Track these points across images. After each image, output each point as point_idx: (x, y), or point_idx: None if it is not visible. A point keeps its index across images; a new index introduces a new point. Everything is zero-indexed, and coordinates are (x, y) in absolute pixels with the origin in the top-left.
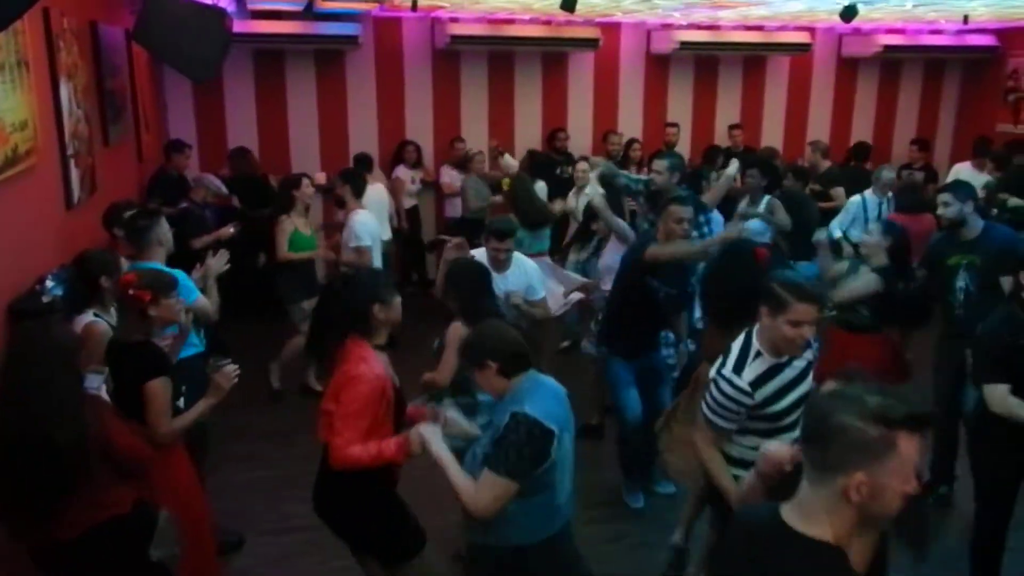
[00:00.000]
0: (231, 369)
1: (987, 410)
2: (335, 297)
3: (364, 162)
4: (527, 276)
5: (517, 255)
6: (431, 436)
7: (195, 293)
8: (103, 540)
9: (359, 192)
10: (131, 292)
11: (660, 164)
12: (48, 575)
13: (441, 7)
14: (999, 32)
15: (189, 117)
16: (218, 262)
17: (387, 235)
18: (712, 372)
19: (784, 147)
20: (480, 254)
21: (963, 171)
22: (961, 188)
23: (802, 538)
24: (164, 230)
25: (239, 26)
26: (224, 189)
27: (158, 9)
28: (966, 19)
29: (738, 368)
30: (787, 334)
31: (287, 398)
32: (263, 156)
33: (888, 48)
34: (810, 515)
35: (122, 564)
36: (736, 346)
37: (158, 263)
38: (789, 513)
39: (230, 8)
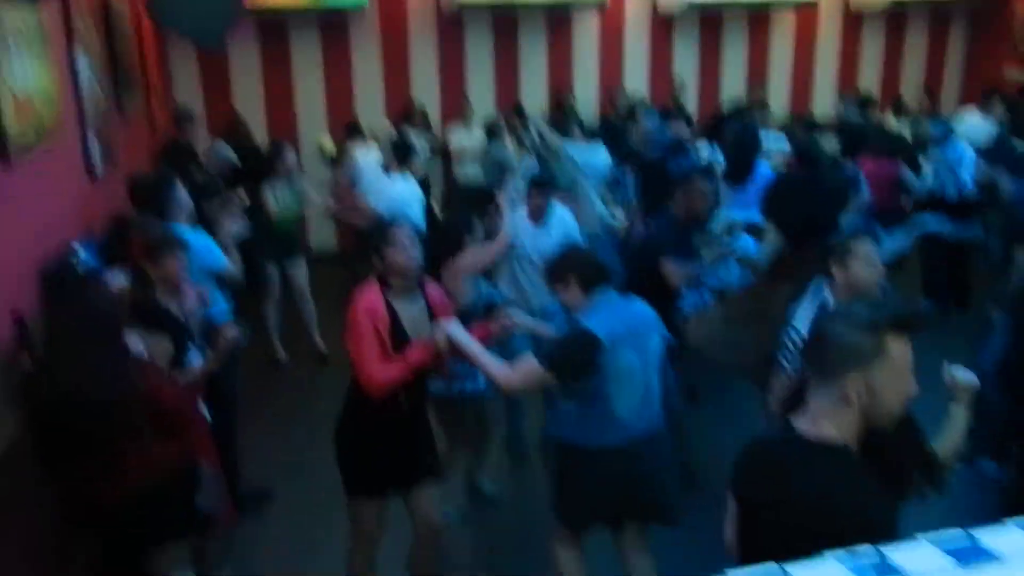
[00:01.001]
0: (235, 331)
1: None
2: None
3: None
4: (565, 226)
5: (556, 205)
6: (455, 329)
7: (220, 258)
8: (156, 496)
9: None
10: (134, 251)
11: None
12: (100, 537)
13: None
14: None
15: (196, 87)
16: (235, 224)
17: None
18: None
19: (792, 103)
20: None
21: (971, 117)
22: None
23: (812, 440)
24: (183, 194)
25: None
26: (235, 157)
27: None
28: None
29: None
30: (864, 275)
31: (298, 366)
32: (270, 124)
33: (895, 1)
34: (817, 419)
35: (174, 516)
36: (809, 304)
37: (182, 227)
38: (800, 423)
39: None
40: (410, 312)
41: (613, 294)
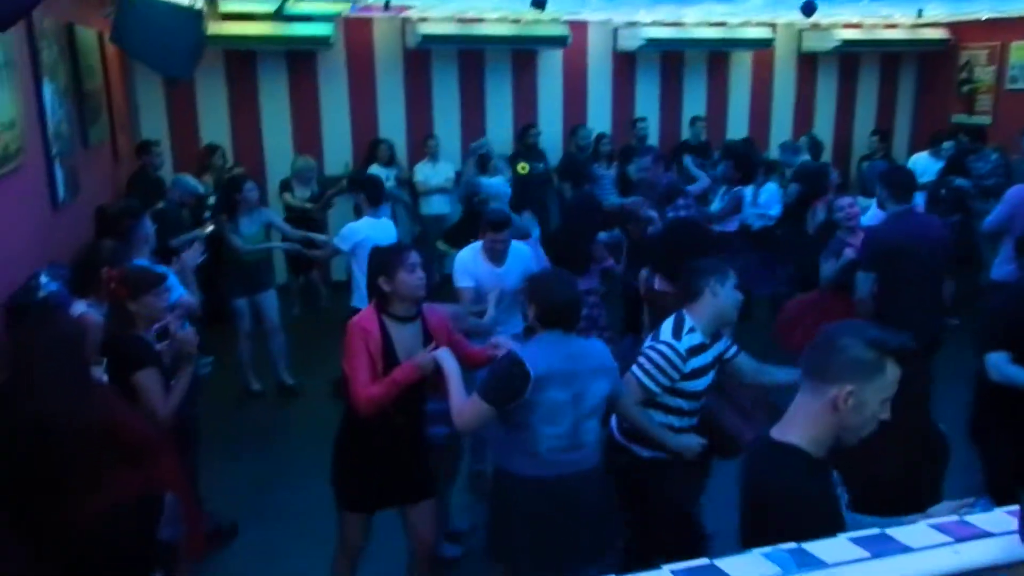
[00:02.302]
0: (189, 332)
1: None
2: None
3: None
4: (524, 263)
5: (513, 243)
6: (444, 355)
7: (179, 290)
8: (117, 523)
9: (374, 200)
10: (113, 286)
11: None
12: (60, 564)
13: (411, 7)
14: (951, 26)
15: (161, 118)
16: (192, 254)
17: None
18: (648, 341)
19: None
20: (473, 247)
21: (921, 159)
22: None
23: (774, 443)
24: (148, 227)
25: (210, 28)
26: (201, 189)
27: (134, 10)
28: (920, 13)
29: (676, 333)
30: (733, 301)
31: (267, 399)
32: (237, 156)
33: (846, 43)
34: (786, 426)
35: (135, 545)
36: (668, 322)
37: (144, 261)
38: (774, 430)
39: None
40: (405, 337)
41: (563, 334)
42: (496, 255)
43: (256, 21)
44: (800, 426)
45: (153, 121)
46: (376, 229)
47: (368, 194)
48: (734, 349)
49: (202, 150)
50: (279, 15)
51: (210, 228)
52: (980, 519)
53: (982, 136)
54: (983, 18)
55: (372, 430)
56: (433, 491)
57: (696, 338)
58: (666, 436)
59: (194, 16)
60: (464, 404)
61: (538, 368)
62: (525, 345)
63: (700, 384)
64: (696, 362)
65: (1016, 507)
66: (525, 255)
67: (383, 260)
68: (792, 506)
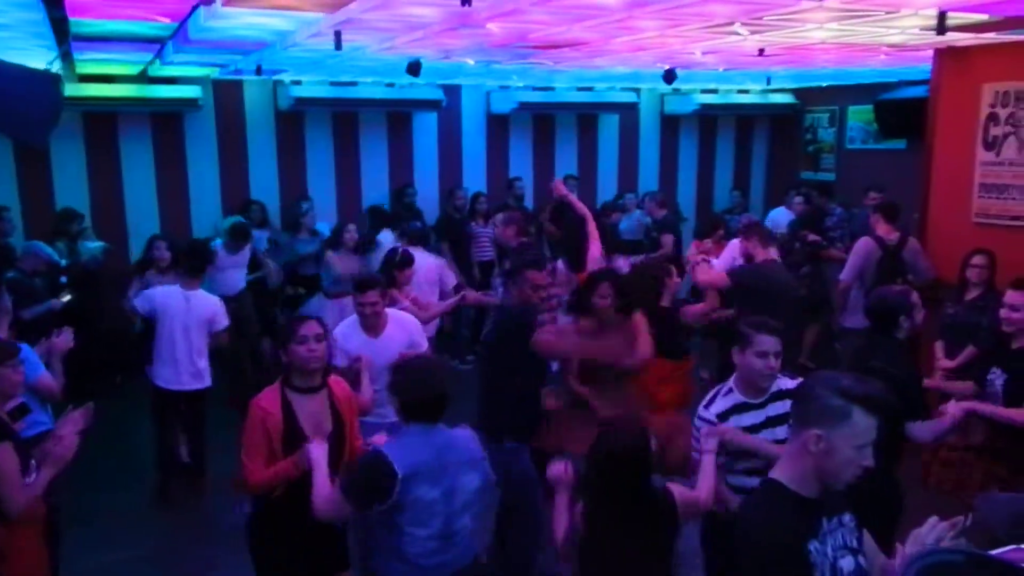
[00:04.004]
0: (70, 439)
1: None
2: None
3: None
4: (406, 331)
5: (390, 311)
6: (316, 450)
7: (39, 368)
8: None
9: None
10: None
11: None
12: None
13: (283, 70)
14: (797, 91)
15: (11, 183)
16: (64, 340)
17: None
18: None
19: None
20: (352, 319)
21: (779, 214)
22: None
23: (764, 480)
24: (5, 300)
25: (68, 89)
26: (56, 257)
27: None
28: (769, 81)
29: (709, 403)
30: (755, 366)
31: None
32: (96, 221)
33: (704, 106)
34: (780, 463)
35: None
36: (714, 390)
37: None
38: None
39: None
40: (310, 410)
41: (429, 426)
42: (368, 322)
43: (118, 83)
44: (784, 464)
45: (3, 187)
46: (170, 297)
47: (187, 265)
48: None
49: (56, 215)
50: (143, 77)
51: (66, 298)
52: None
53: (828, 192)
54: (824, 85)
55: (283, 503)
56: (346, 564)
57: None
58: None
59: (51, 81)
60: (326, 497)
61: (405, 466)
62: (389, 441)
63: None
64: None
65: None
66: (408, 325)
67: (283, 332)
68: (755, 531)
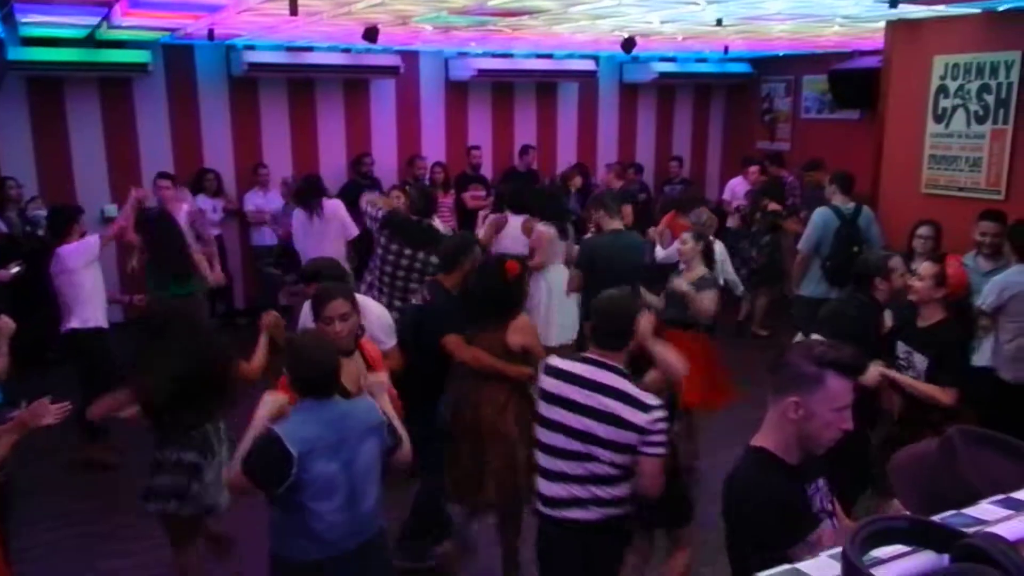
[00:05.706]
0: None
1: None
2: None
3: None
4: (368, 325)
5: (361, 298)
6: (265, 405)
7: None
8: None
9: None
10: None
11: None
12: None
13: (237, 34)
14: (754, 61)
15: None
16: (8, 324)
17: None
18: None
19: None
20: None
21: (736, 184)
22: None
23: (748, 448)
24: None
25: (11, 53)
26: (3, 226)
27: None
28: (726, 49)
29: None
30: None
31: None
32: (43, 187)
33: (663, 75)
34: (760, 433)
35: None
36: None
37: None
38: (753, 438)
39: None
40: (347, 370)
41: (320, 401)
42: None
43: (64, 47)
44: (767, 433)
45: None
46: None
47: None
48: None
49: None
50: (90, 40)
51: (16, 269)
52: None
53: (781, 161)
54: (780, 54)
55: None
56: None
57: None
58: None
59: None
60: (236, 474)
61: (299, 443)
62: (282, 421)
63: None
64: None
65: None
66: (371, 316)
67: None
68: (753, 498)
